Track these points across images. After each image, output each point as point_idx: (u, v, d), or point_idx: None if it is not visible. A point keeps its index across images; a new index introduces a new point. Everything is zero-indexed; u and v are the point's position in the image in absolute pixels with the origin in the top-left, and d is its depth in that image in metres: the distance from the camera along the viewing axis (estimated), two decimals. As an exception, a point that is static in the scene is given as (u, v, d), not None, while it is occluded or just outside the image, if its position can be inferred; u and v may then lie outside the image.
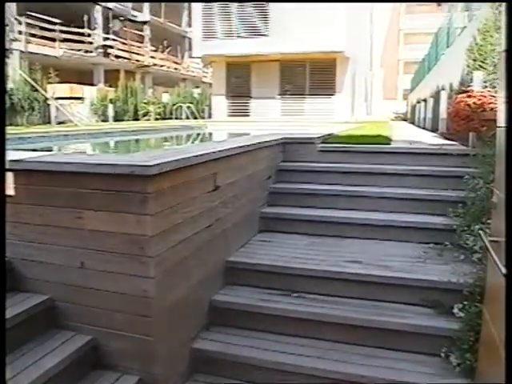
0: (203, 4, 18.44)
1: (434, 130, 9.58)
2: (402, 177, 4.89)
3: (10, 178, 2.89)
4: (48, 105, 16.33)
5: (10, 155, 2.94)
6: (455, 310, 3.06)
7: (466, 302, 3.02)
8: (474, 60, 6.92)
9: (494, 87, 5.81)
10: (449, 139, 6.69)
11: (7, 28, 18.82)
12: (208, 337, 3.31)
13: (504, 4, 2.30)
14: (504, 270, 1.86)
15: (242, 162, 4.10)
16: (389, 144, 5.75)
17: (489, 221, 3.10)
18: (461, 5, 11.98)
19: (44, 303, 2.86)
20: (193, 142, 10.52)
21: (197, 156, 3.12)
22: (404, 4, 43.34)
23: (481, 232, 2.61)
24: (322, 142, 5.62)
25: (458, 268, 3.43)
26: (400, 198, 4.60)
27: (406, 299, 3.37)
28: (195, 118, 16.07)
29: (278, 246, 4.16)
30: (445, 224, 4.07)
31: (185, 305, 3.10)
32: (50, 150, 7.18)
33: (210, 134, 12.89)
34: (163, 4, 28.68)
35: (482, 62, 6.66)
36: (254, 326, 3.38)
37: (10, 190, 2.89)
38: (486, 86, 5.98)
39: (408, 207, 4.52)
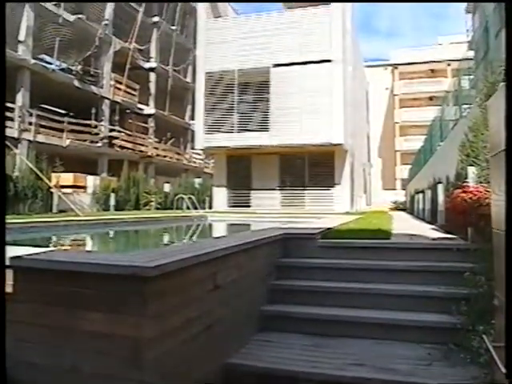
0: (206, 99, 19.29)
1: (432, 221, 9.64)
2: (403, 273, 4.84)
3: (8, 274, 2.88)
4: (51, 193, 16.63)
5: (10, 250, 2.94)
6: (465, 420, 2.92)
7: (476, 410, 2.89)
8: (467, 156, 7.09)
9: (489, 182, 5.92)
10: (448, 232, 6.71)
11: (18, 119, 19.53)
12: None
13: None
14: (504, 370, 1.81)
15: (242, 259, 4.09)
16: (389, 239, 5.76)
17: (493, 321, 3.04)
18: (451, 100, 12.52)
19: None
20: (193, 235, 10.56)
21: (197, 256, 3.12)
22: (397, 99, 45.31)
23: (484, 336, 2.56)
24: (322, 237, 5.63)
25: (465, 372, 3.32)
26: (401, 295, 4.53)
27: (413, 406, 3.23)
28: (196, 208, 16.25)
29: (278, 346, 4.02)
30: (448, 323, 3.98)
31: (181, 412, 2.96)
32: (49, 245, 7.18)
33: (210, 225, 12.96)
34: (168, 98, 30.00)
35: (475, 158, 6.83)
36: None
37: (8, 287, 2.87)
38: (480, 182, 6.09)
39: (410, 305, 4.44)
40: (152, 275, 2.59)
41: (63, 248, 7.35)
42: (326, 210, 17.19)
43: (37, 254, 3.11)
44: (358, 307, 4.53)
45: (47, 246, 6.64)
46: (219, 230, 12.39)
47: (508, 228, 2.25)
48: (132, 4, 26.89)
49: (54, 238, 8.30)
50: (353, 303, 4.59)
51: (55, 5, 21.36)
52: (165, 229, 11.39)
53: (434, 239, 5.87)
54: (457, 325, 3.84)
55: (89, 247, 8.17)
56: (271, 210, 16.75)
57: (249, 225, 12.04)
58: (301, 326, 4.41)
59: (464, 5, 34.23)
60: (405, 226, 9.29)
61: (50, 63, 22.50)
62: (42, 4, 20.83)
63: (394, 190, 39.20)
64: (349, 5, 19.84)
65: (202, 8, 20.42)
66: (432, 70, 44.25)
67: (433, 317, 4.19)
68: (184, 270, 2.95)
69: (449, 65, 39.34)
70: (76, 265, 2.82)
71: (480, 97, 7.20)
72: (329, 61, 17.72)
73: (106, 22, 24.81)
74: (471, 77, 10.65)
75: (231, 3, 22.59)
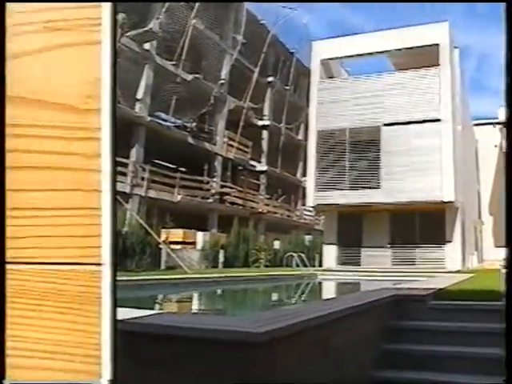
0: (317, 156, 19.55)
1: None
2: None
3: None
4: (159, 249, 16.44)
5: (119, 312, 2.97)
6: None
7: None
8: None
9: None
10: None
11: (131, 174, 19.71)
12: None
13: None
14: None
15: (353, 322, 3.94)
16: (501, 300, 5.25)
17: None
18: None
19: None
20: (302, 295, 10.37)
21: (308, 320, 3.04)
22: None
23: None
24: (434, 299, 5.37)
25: None
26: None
27: None
28: (305, 265, 16.07)
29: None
30: None
31: None
32: (154, 306, 7.26)
33: (321, 284, 12.70)
34: (280, 155, 30.51)
35: None
36: None
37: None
38: None
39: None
40: (260, 341, 2.53)
41: (168, 310, 7.41)
42: (437, 267, 16.67)
43: (140, 317, 3.07)
44: (473, 373, 4.17)
45: (152, 308, 6.66)
46: (329, 290, 12.09)
47: None
48: (248, 65, 27.73)
49: (161, 297, 8.40)
50: (469, 370, 4.24)
51: (174, 65, 22.13)
52: (275, 288, 11.28)
53: None
54: None
55: (195, 308, 8.22)
56: (381, 268, 16.22)
57: (359, 284, 11.66)
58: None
59: None
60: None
61: (165, 120, 23.12)
62: (162, 64, 21.73)
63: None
64: (458, 66, 19.82)
65: (315, 69, 20.96)
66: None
67: None
68: (294, 336, 2.86)
69: None
70: (181, 330, 2.76)
71: None
72: (438, 120, 17.75)
73: (222, 81, 25.61)
74: None
75: (344, 65, 22.84)
